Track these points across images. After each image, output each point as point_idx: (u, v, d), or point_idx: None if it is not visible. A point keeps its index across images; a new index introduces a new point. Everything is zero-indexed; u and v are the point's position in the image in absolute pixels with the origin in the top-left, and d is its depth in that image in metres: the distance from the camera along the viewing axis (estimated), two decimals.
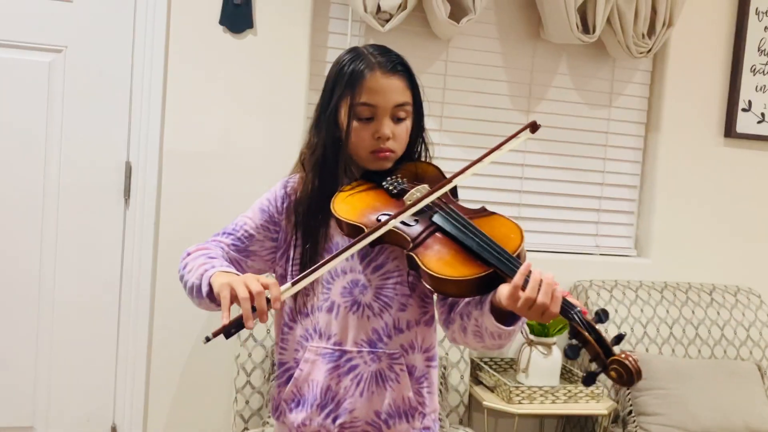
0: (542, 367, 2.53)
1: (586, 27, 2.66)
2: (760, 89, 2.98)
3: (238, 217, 1.47)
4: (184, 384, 2.57)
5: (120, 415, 2.54)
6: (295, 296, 1.42)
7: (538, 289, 1.16)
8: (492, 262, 1.21)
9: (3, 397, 2.45)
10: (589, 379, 1.15)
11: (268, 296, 1.18)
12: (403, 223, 1.31)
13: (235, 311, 1.16)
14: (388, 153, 1.39)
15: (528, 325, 2.55)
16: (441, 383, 2.42)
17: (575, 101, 2.92)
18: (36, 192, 2.42)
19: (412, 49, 2.73)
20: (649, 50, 2.72)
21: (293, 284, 1.22)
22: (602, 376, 1.22)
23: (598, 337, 1.15)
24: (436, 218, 1.31)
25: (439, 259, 1.25)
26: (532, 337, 2.55)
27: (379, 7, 2.45)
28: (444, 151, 2.79)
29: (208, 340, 1.16)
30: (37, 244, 2.44)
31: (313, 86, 2.65)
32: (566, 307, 1.17)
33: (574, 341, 1.16)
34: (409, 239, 1.28)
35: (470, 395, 2.54)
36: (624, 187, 3.01)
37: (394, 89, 1.37)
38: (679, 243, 2.97)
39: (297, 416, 1.42)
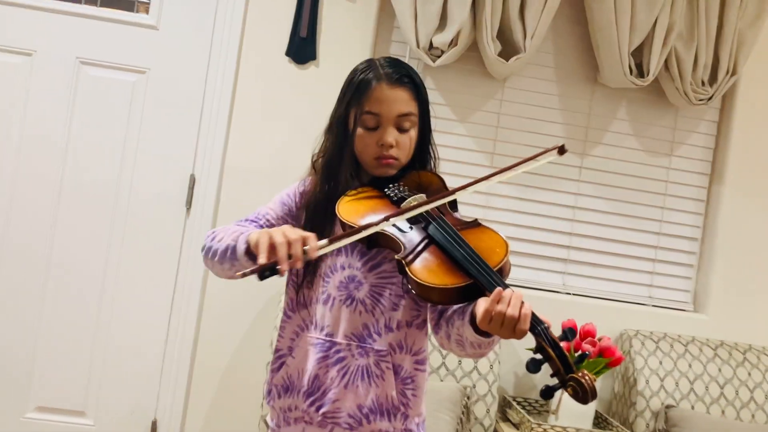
0: (574, 410, 2.45)
1: (642, 71, 2.65)
2: None
3: (259, 208, 1.56)
4: (224, 386, 2.69)
5: (161, 410, 2.70)
6: (297, 288, 1.51)
7: (509, 305, 1.20)
8: (473, 274, 1.26)
9: (62, 381, 2.67)
10: (547, 393, 1.18)
11: (305, 247, 1.23)
12: (398, 229, 1.38)
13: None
14: (391, 160, 1.47)
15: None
16: (463, 413, 2.40)
17: (634, 147, 2.88)
18: (109, 195, 2.68)
19: (467, 87, 2.83)
20: (710, 98, 2.67)
21: (330, 242, 1.27)
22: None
23: (561, 354, 1.18)
24: (431, 229, 1.37)
25: (424, 267, 1.30)
26: None
27: (431, 44, 2.57)
28: (494, 188, 2.84)
29: (243, 275, 1.19)
30: (106, 243, 2.69)
31: None
32: (533, 323, 1.20)
33: (537, 356, 1.20)
34: (403, 245, 1.35)
35: (495, 431, 2.50)
36: (683, 239, 2.90)
37: (398, 100, 1.45)
38: (741, 301, 2.82)
39: (285, 402, 1.49)
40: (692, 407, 2.54)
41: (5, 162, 2.65)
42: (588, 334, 2.48)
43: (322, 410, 1.44)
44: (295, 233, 1.24)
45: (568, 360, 1.17)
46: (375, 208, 1.42)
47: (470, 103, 2.84)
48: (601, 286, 2.87)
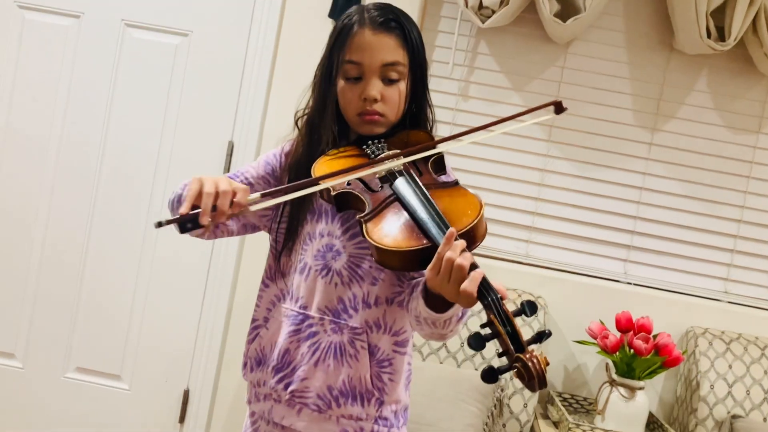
0: (622, 412, 2.20)
1: (723, 35, 2.32)
2: None
3: (243, 165, 1.47)
4: None
5: (194, 380, 2.66)
6: (277, 255, 1.39)
7: (459, 256, 1.03)
8: (432, 237, 1.10)
9: (100, 344, 2.69)
10: (490, 375, 0.98)
11: (237, 200, 1.12)
12: (368, 187, 1.24)
13: None
14: (376, 117, 1.31)
15: (613, 363, 2.25)
16: (495, 405, 2.20)
17: (714, 123, 2.55)
18: (150, 160, 2.65)
19: (525, 52, 2.60)
20: None
21: (262, 196, 1.15)
22: None
23: (512, 331, 0.98)
24: (397, 184, 1.21)
25: (382, 228, 1.16)
26: (615, 376, 2.24)
27: (481, 3, 2.36)
28: (550, 163, 2.60)
29: (159, 225, 1.07)
30: (145, 209, 2.66)
31: None
32: (483, 289, 1.01)
33: (483, 330, 1.00)
34: (368, 205, 1.21)
35: (532, 428, 2.28)
36: None
37: (382, 46, 1.29)
38: None
39: (255, 375, 1.38)
40: (765, 419, 2.23)
41: (51, 126, 2.67)
42: (642, 328, 2.22)
43: (290, 388, 1.31)
44: (226, 184, 1.11)
45: (520, 338, 0.97)
46: (351, 168, 1.26)
47: (528, 71, 2.60)
48: (669, 277, 2.57)
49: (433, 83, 2.59)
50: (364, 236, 1.16)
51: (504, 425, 2.27)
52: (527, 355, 0.95)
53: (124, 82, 2.65)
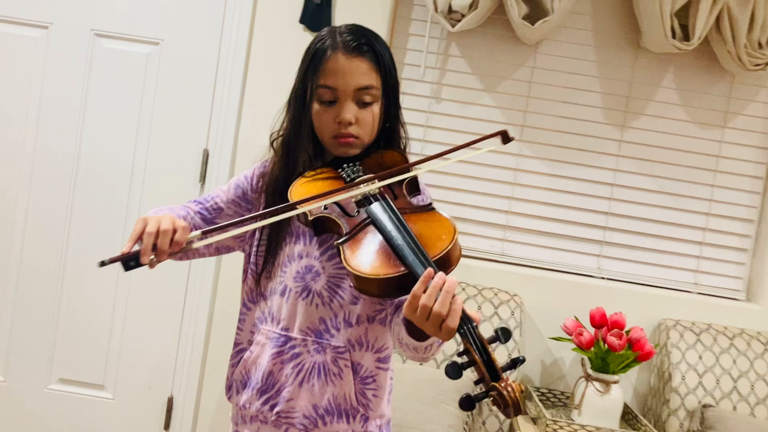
0: (598, 406, 2.26)
1: (687, 34, 2.37)
2: None
3: (213, 189, 1.49)
4: None
5: (177, 387, 2.68)
6: (257, 278, 1.41)
7: (436, 298, 1.06)
8: (408, 264, 1.12)
9: (82, 355, 2.69)
10: (468, 403, 1.01)
11: (176, 239, 1.15)
12: (344, 212, 1.26)
13: None
14: (351, 139, 1.33)
15: (588, 358, 2.31)
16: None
17: (681, 119, 2.61)
18: (125, 171, 2.65)
19: (495, 54, 2.63)
20: None
21: (203, 233, 1.18)
22: None
23: (488, 360, 1.02)
24: (372, 209, 1.23)
25: (359, 255, 1.18)
26: (590, 371, 2.30)
27: (450, 7, 2.38)
28: (522, 162, 2.64)
29: (102, 264, 1.11)
30: (122, 219, 2.66)
31: None
32: (461, 321, 1.05)
33: (460, 359, 1.04)
34: (344, 229, 1.23)
35: (511, 425, 2.34)
36: (736, 220, 2.62)
37: (356, 71, 1.30)
38: None
39: (241, 398, 1.40)
40: (734, 407, 2.30)
41: (24, 137, 2.65)
42: (616, 324, 2.27)
43: (276, 409, 1.34)
44: (168, 223, 1.13)
45: (495, 366, 1.01)
46: (327, 191, 1.28)
47: (499, 72, 2.63)
48: (641, 271, 2.64)
49: (405, 86, 2.63)
50: (342, 262, 1.18)
51: (484, 423, 2.33)
52: (503, 384, 0.99)
53: (96, 93, 2.64)
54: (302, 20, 2.57)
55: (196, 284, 2.65)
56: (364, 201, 1.26)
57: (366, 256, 1.17)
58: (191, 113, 2.63)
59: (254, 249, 1.41)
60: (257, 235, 1.41)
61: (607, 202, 2.63)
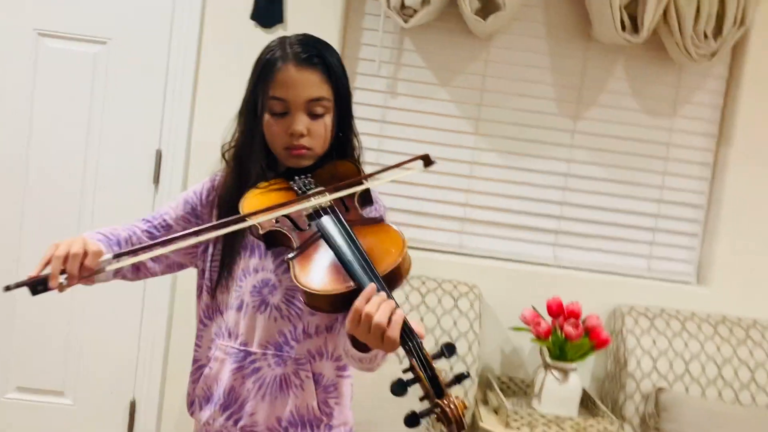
0: (557, 394, 2.32)
1: (636, 26, 2.40)
2: None
3: (162, 205, 1.46)
4: None
5: (139, 390, 2.66)
6: (212, 293, 1.40)
7: (377, 310, 1.07)
8: (357, 279, 1.13)
9: (39, 363, 2.64)
10: (412, 420, 1.03)
11: (86, 263, 1.14)
12: (295, 225, 1.26)
13: None
14: (303, 151, 1.33)
15: (546, 348, 2.36)
16: None
17: (632, 108, 2.65)
18: (76, 174, 2.59)
19: (448, 47, 2.63)
20: (714, 54, 2.41)
21: (115, 257, 1.17)
22: None
23: (432, 376, 1.03)
24: (322, 223, 1.23)
25: (309, 271, 1.18)
26: (548, 360, 2.35)
27: (403, 3, 2.37)
28: (478, 155, 2.66)
29: (7, 288, 1.12)
30: (75, 222, 2.61)
31: None
32: (405, 335, 1.06)
33: (405, 376, 1.05)
34: (294, 243, 1.23)
35: (473, 416, 2.39)
36: (686, 206, 2.69)
37: (307, 83, 1.30)
38: (748, 272, 2.61)
39: (204, 414, 1.40)
40: (687, 389, 2.38)
41: None
42: (572, 314, 2.33)
43: (240, 424, 1.35)
44: (78, 247, 1.13)
45: (440, 383, 1.03)
46: (279, 204, 1.28)
47: (452, 65, 2.64)
48: (596, 258, 2.69)
49: (361, 81, 2.62)
50: (292, 278, 1.18)
51: None
52: (446, 401, 1.01)
53: (42, 94, 2.56)
54: (253, 16, 2.54)
55: (155, 283, 2.62)
56: (315, 214, 1.26)
57: (316, 272, 1.17)
58: (142, 113, 2.58)
59: (208, 264, 1.40)
60: (210, 250, 1.40)
61: (561, 192, 2.68)
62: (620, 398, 2.42)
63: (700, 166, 2.68)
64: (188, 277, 2.54)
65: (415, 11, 2.37)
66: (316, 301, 1.16)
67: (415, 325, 1.08)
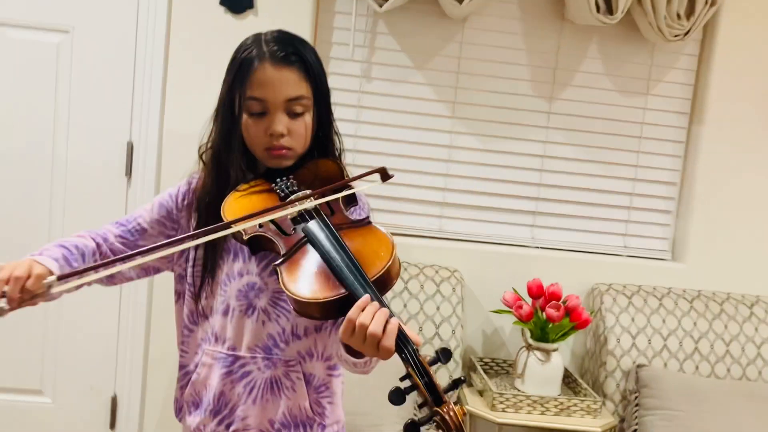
0: (540, 374, 2.35)
1: (610, 7, 2.40)
2: None
3: (136, 209, 1.43)
4: None
5: (120, 386, 2.62)
6: (196, 298, 1.38)
7: (371, 320, 1.05)
8: (348, 285, 1.12)
9: (15, 362, 2.59)
10: (411, 429, 1.02)
11: (27, 286, 1.11)
12: (280, 230, 1.23)
13: None
14: (283, 151, 1.31)
15: (528, 329, 2.39)
16: None
17: (606, 88, 2.66)
18: (44, 169, 2.51)
19: (423, 30, 2.60)
20: (687, 33, 2.43)
21: (58, 279, 1.12)
22: None
23: (429, 382, 1.03)
24: (309, 228, 1.21)
25: (298, 278, 1.16)
26: (530, 341, 2.38)
27: None
28: (456, 139, 2.65)
29: None
30: (46, 219, 2.54)
31: None
32: (400, 343, 1.05)
33: (403, 384, 1.04)
34: (282, 249, 1.21)
35: (459, 398, 2.41)
36: (661, 184, 2.72)
37: (285, 82, 1.27)
38: (721, 247, 2.67)
39: (193, 420, 1.39)
40: (665, 365, 2.44)
41: None
42: (553, 296, 2.35)
43: (231, 428, 1.35)
44: (22, 270, 1.10)
45: (438, 390, 1.03)
46: (260, 206, 1.26)
47: (428, 48, 2.61)
48: (573, 238, 2.72)
49: (335, 66, 2.58)
50: (280, 285, 1.16)
51: None
52: (445, 408, 1.02)
53: (5, 86, 2.47)
54: (222, 2, 2.47)
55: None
56: (300, 218, 1.24)
57: (304, 279, 1.16)
58: (111, 104, 2.50)
59: (190, 270, 1.38)
60: (191, 254, 1.37)
61: (538, 173, 2.69)
62: (601, 375, 2.47)
63: (673, 144, 2.71)
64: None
65: None
66: (306, 309, 1.14)
67: (410, 333, 1.07)
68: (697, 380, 2.38)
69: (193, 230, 1.35)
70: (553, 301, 2.32)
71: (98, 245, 1.33)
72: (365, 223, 1.25)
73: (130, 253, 1.17)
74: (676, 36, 2.42)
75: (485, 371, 2.52)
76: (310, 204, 1.23)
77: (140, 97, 2.50)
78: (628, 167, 2.70)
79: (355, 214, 1.35)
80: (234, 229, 1.19)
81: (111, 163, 2.53)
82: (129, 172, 2.53)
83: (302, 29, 2.49)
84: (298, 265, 1.18)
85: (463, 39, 2.61)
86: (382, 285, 1.14)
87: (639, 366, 2.41)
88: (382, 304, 1.08)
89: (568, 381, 2.47)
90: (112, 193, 2.54)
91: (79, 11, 2.46)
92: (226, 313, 1.34)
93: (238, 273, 1.33)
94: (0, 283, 1.10)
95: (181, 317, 1.42)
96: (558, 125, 2.67)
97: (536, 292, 2.41)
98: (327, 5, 2.57)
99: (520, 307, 2.35)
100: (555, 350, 2.37)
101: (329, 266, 1.15)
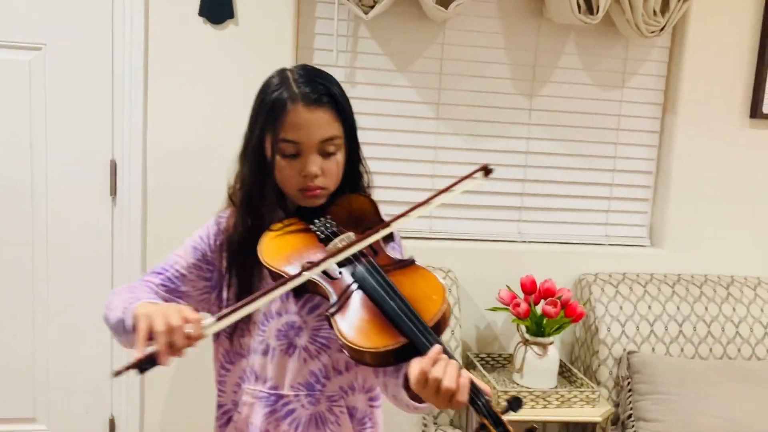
0: (538, 368, 2.43)
1: (590, 6, 2.45)
2: None
3: (169, 255, 1.40)
4: (178, 376, 2.59)
5: (117, 406, 2.59)
6: (230, 337, 1.37)
7: (444, 374, 1.06)
8: (407, 333, 1.12)
9: (6, 391, 2.52)
10: None
11: (189, 331, 1.09)
12: (327, 275, 1.23)
13: None
14: (318, 191, 1.31)
15: (523, 325, 2.46)
16: None
17: (584, 83, 2.72)
18: (24, 192, 2.43)
19: (405, 33, 2.60)
20: (662, 28, 2.50)
21: (218, 320, 1.12)
22: None
23: (504, 431, 1.05)
24: (358, 274, 1.21)
25: (353, 325, 1.16)
26: (527, 336, 2.45)
27: None
28: (441, 140, 2.68)
29: (117, 374, 1.07)
30: (29, 244, 2.46)
31: None
32: (473, 395, 1.07)
33: None
34: (330, 296, 1.20)
35: None
36: (638, 173, 2.82)
37: (319, 123, 1.26)
38: (697, 232, 2.79)
39: None
40: (653, 349, 2.55)
41: None
42: (548, 293, 2.43)
43: None
44: (177, 317, 1.08)
45: None
46: (300, 248, 1.26)
47: (409, 51, 2.61)
48: (558, 230, 2.80)
49: None
50: (335, 334, 1.16)
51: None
52: None
53: None
54: (201, 12, 2.41)
55: None
56: (346, 261, 1.24)
57: (361, 327, 1.15)
58: (91, 122, 2.43)
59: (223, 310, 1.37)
60: (225, 295, 1.37)
61: (522, 169, 2.74)
62: (594, 364, 2.57)
63: (649, 134, 2.80)
64: None
65: (375, 2, 2.32)
66: (363, 357, 1.15)
67: (481, 384, 1.10)
68: (684, 363, 2.51)
69: (226, 269, 1.35)
70: (550, 298, 2.40)
71: (150, 294, 1.32)
72: (409, 263, 1.26)
73: (270, 287, 1.16)
74: (652, 32, 2.49)
75: (482, 366, 2.59)
76: (357, 248, 1.23)
77: (121, 113, 2.43)
78: (607, 159, 2.78)
79: (395, 252, 1.36)
80: (303, 278, 1.18)
81: (94, 183, 2.46)
82: (114, 191, 2.47)
83: (284, 37, 2.46)
84: (351, 312, 1.18)
85: (445, 40, 2.62)
86: (438, 330, 1.15)
87: (630, 353, 2.52)
88: (449, 354, 1.10)
89: (563, 371, 2.56)
90: (97, 214, 2.48)
91: (50, 27, 2.36)
92: (265, 353, 1.34)
93: (276, 312, 1.33)
94: (162, 335, 1.06)
95: (218, 356, 1.42)
96: (539, 121, 2.72)
97: (530, 288, 2.47)
98: (308, 11, 2.53)
99: (518, 305, 2.41)
100: (551, 344, 2.45)
101: (384, 313, 1.15)
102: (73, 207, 2.46)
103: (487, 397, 1.08)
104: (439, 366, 1.06)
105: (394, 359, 1.15)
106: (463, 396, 1.06)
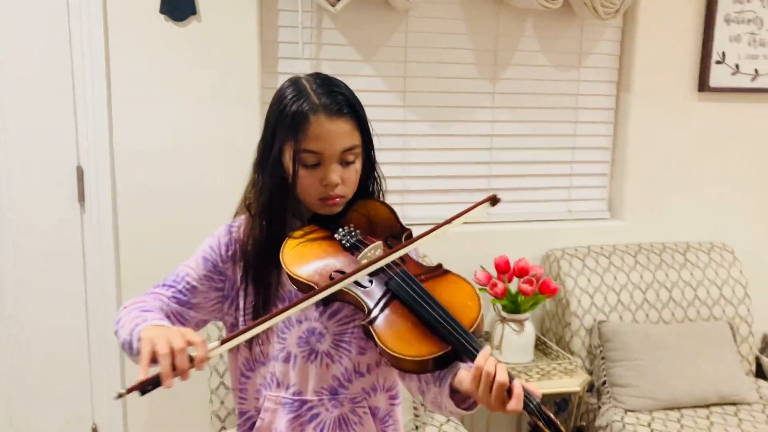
0: (515, 343, 2.53)
1: None
2: (734, 39, 2.86)
3: (178, 266, 1.39)
4: None
5: (99, 415, 2.55)
6: (249, 345, 1.38)
7: (496, 369, 1.09)
8: (450, 340, 1.15)
9: None
10: None
11: (192, 354, 1.09)
12: (358, 284, 1.24)
13: None
14: (337, 199, 1.32)
15: (500, 303, 2.54)
16: None
17: (543, 64, 2.80)
18: None
19: (369, 22, 2.60)
20: (617, 10, 2.59)
21: (222, 343, 1.13)
22: None
23: (557, 430, 1.09)
24: (393, 284, 1.23)
25: (394, 335, 1.18)
26: (504, 314, 2.54)
27: None
28: (409, 127, 2.71)
29: (120, 396, 1.06)
30: None
31: (266, 69, 2.53)
32: (526, 398, 1.10)
33: None
34: (365, 305, 1.22)
35: None
36: (596, 150, 2.93)
37: (341, 134, 1.27)
38: (653, 202, 2.93)
39: None
40: (620, 318, 2.69)
41: None
42: (523, 271, 2.52)
43: None
44: (180, 340, 1.08)
45: None
46: (326, 257, 1.28)
47: (374, 40, 2.62)
48: (525, 209, 2.89)
49: (284, 66, 2.54)
50: (375, 343, 1.18)
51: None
52: None
53: None
54: (162, 10, 2.35)
55: (97, 304, 2.48)
56: (377, 271, 1.26)
57: (402, 336, 1.18)
58: (52, 127, 2.35)
59: (242, 319, 1.38)
60: (241, 303, 1.38)
61: (488, 152, 2.81)
62: (566, 335, 2.69)
63: (605, 111, 2.91)
64: (133, 287, 2.42)
65: None
66: (406, 365, 1.17)
67: (532, 387, 1.12)
68: (650, 328, 2.65)
69: (241, 278, 1.35)
70: (526, 276, 2.49)
71: (162, 307, 1.31)
72: (442, 270, 1.29)
73: (281, 309, 1.17)
74: (608, 14, 2.58)
75: None
76: (390, 258, 1.23)
77: (84, 116, 2.36)
78: (566, 137, 2.88)
79: (415, 256, 1.39)
80: (339, 286, 1.19)
81: (60, 191, 2.39)
82: (82, 198, 2.40)
83: (248, 31, 2.43)
84: (390, 321, 1.19)
85: (408, 28, 2.64)
86: (477, 336, 1.19)
87: (600, 323, 2.64)
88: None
89: (537, 344, 2.67)
90: (65, 221, 2.42)
91: (4, 29, 2.26)
92: (287, 360, 1.36)
93: (296, 320, 1.35)
94: (165, 358, 1.05)
95: (236, 364, 1.43)
96: (502, 104, 2.78)
97: (503, 267, 2.56)
98: (270, 3, 2.50)
99: (495, 285, 2.49)
100: (527, 319, 2.55)
101: (423, 321, 1.18)
102: (41, 216, 2.39)
103: (538, 400, 1.12)
104: (491, 362, 1.10)
105: (434, 366, 1.18)
106: (519, 403, 1.08)
